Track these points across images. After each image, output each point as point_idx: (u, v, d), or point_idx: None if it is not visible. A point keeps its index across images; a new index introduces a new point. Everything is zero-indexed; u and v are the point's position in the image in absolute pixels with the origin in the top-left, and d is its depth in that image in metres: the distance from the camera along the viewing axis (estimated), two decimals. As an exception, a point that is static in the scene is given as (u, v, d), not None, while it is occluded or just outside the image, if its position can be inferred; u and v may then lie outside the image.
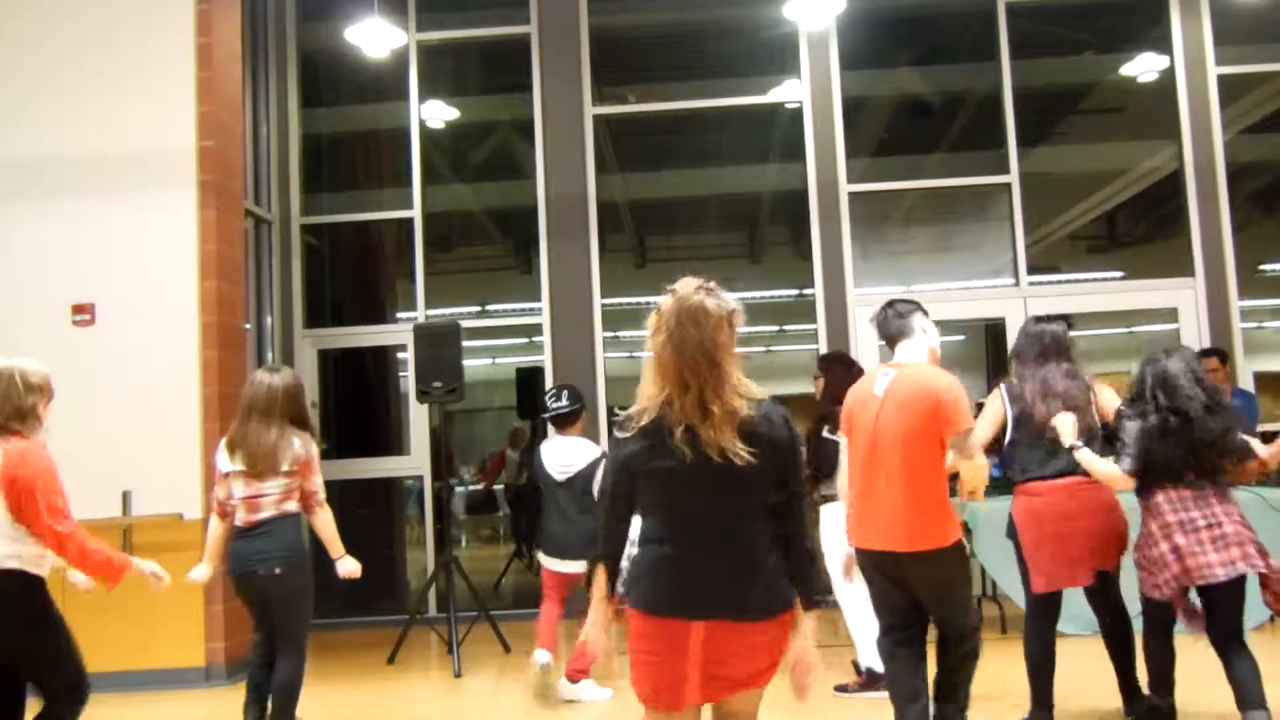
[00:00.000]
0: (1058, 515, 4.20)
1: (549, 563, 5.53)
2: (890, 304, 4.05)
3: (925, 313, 4.04)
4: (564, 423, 5.55)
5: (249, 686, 4.59)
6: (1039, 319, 4.55)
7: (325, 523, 4.55)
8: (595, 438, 8.07)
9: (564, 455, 5.48)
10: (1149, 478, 4.07)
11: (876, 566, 3.90)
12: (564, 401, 5.53)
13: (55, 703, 3.66)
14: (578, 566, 5.37)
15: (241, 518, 4.41)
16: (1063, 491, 4.22)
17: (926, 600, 3.86)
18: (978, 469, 3.74)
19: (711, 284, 2.65)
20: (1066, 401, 4.21)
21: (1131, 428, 4.07)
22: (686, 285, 2.64)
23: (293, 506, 4.46)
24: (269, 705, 4.47)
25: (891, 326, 3.98)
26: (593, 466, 5.31)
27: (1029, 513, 4.30)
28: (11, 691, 3.67)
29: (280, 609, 4.43)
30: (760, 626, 2.54)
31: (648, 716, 2.65)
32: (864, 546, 3.91)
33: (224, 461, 4.45)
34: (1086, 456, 4.13)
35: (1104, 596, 4.35)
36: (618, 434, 2.67)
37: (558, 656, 5.52)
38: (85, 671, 3.73)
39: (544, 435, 8.22)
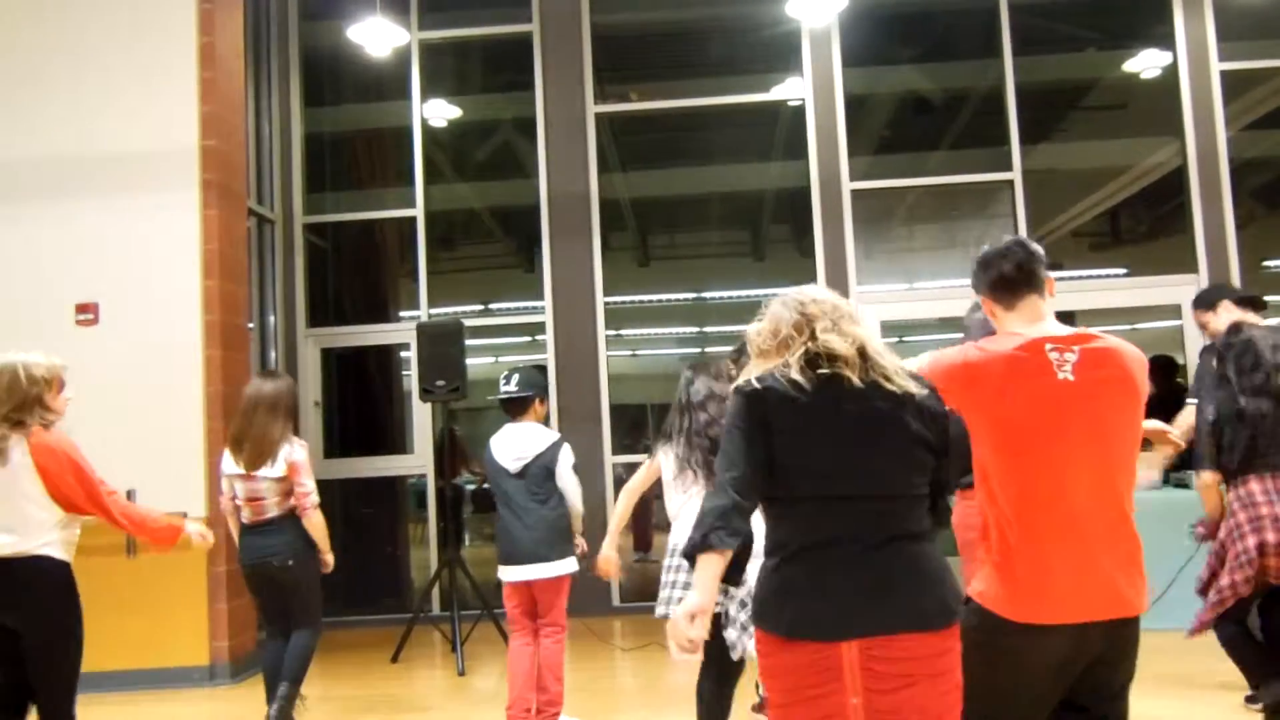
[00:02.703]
0: None
1: (508, 573, 4.64)
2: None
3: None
4: (517, 408, 4.78)
5: (265, 672, 4.80)
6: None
7: (316, 525, 4.71)
8: (599, 443, 8.11)
9: (517, 443, 4.72)
10: (1243, 464, 3.91)
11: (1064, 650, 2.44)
12: (513, 386, 4.79)
13: (49, 698, 3.67)
14: (541, 570, 4.58)
15: (248, 516, 4.68)
16: None
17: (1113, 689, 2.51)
18: None
19: None
20: None
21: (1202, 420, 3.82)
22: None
23: (290, 504, 4.68)
24: (283, 666, 4.69)
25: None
26: (552, 452, 4.67)
27: None
28: (18, 697, 3.69)
29: (294, 598, 4.72)
30: (932, 642, 2.13)
31: None
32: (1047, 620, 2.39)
33: (226, 462, 4.70)
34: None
35: None
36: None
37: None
38: (77, 680, 3.77)
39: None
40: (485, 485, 4.98)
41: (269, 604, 4.82)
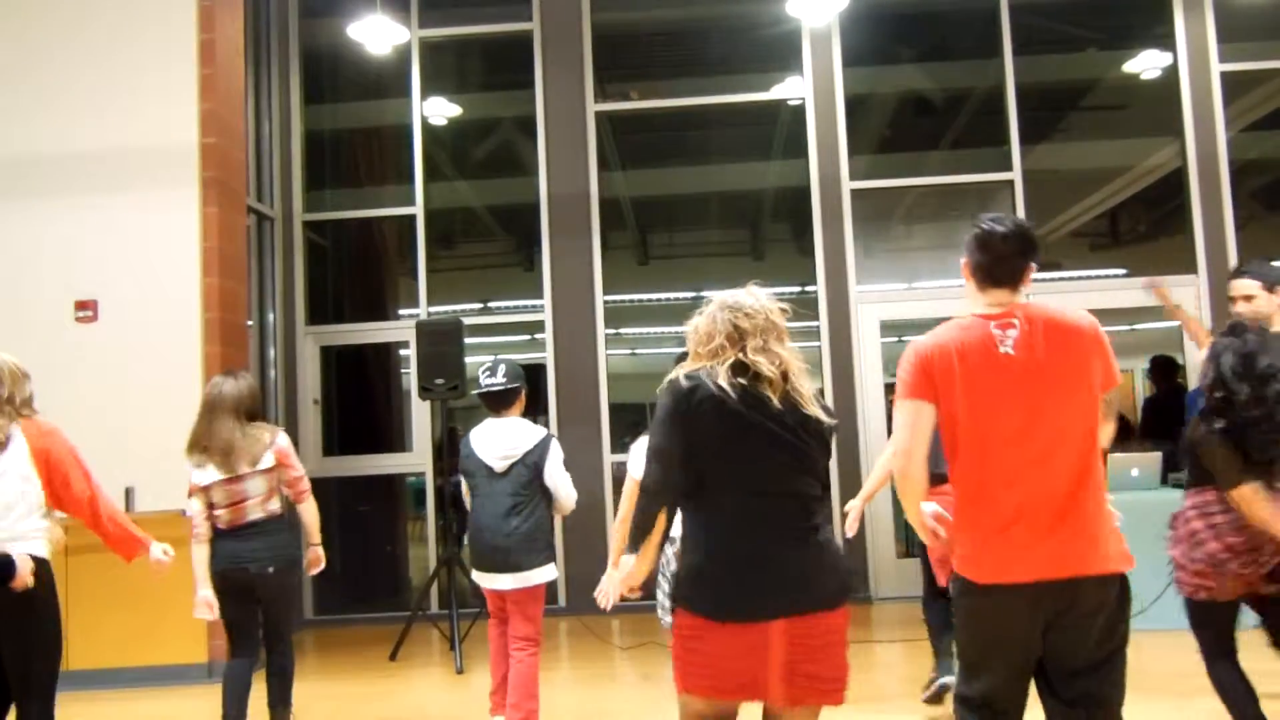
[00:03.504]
0: None
1: (481, 579, 4.43)
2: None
3: None
4: (501, 402, 4.46)
5: (227, 688, 4.41)
6: None
7: (310, 512, 4.52)
8: (598, 442, 8.11)
9: (504, 440, 4.40)
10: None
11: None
12: (499, 378, 4.45)
13: (27, 698, 3.63)
14: (518, 580, 4.34)
15: (225, 521, 4.32)
16: None
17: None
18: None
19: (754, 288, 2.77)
20: None
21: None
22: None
23: (277, 506, 4.41)
24: (268, 693, 4.47)
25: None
26: (541, 449, 4.38)
27: None
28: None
29: (271, 605, 4.40)
30: (840, 617, 2.55)
31: (690, 703, 2.60)
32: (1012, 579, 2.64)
33: (197, 474, 4.33)
34: None
35: None
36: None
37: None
38: (57, 675, 3.72)
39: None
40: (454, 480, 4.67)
41: (239, 616, 4.38)
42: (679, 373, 2.61)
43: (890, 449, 3.23)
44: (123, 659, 6.02)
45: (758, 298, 2.69)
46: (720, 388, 2.53)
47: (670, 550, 3.83)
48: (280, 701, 4.50)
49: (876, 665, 6.06)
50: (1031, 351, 2.63)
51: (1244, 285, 4.50)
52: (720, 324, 2.64)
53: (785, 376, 2.58)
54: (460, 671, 6.26)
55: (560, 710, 5.27)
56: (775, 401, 2.55)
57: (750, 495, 2.55)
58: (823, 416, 2.60)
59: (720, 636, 2.48)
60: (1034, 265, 2.80)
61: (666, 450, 2.57)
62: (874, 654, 6.29)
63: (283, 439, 4.45)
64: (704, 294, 2.79)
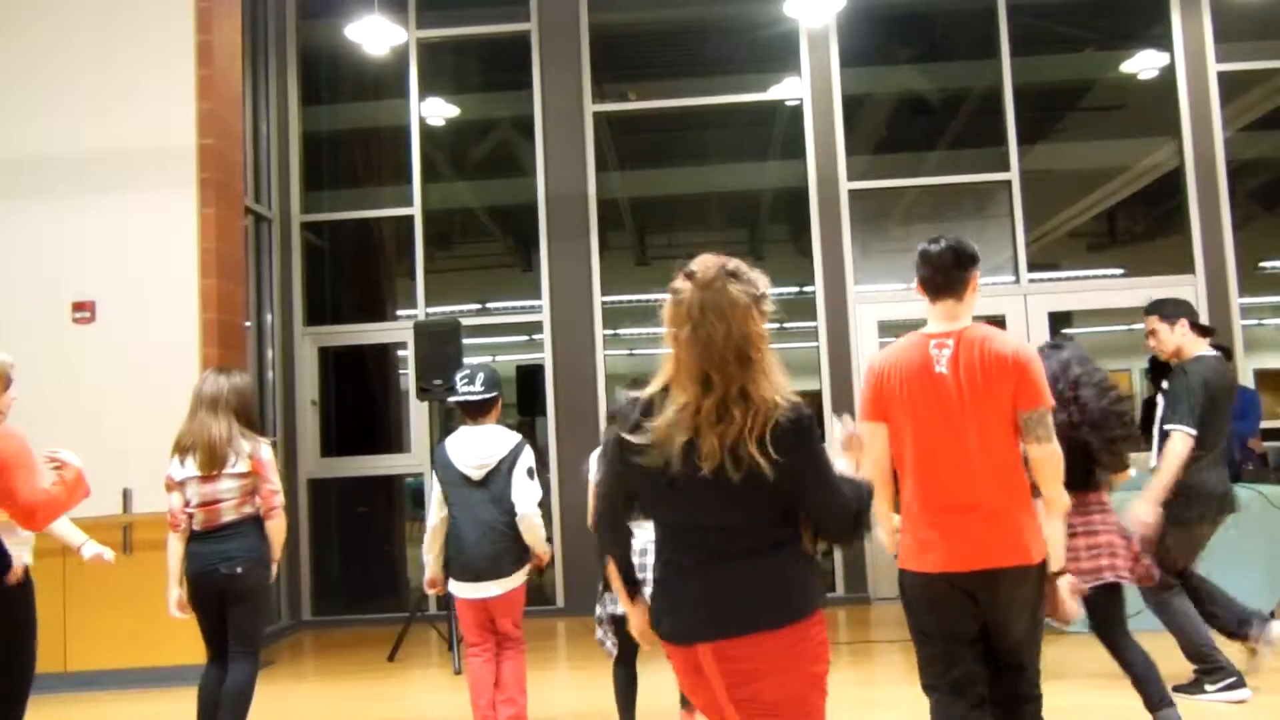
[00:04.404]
0: None
1: (462, 589, 4.33)
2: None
3: None
4: (479, 411, 4.40)
5: (200, 696, 4.30)
6: None
7: (277, 530, 4.33)
8: (596, 442, 8.04)
9: (480, 448, 4.34)
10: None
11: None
12: (478, 386, 4.38)
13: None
14: (501, 587, 4.30)
15: (200, 522, 4.25)
16: None
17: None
18: None
19: (734, 264, 2.30)
20: None
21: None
22: (706, 268, 2.28)
23: (252, 509, 4.29)
24: (221, 710, 4.23)
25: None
26: (515, 454, 4.33)
27: None
28: None
29: (238, 608, 4.26)
30: (776, 639, 2.26)
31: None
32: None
33: (175, 468, 4.29)
34: None
35: None
36: (615, 424, 2.44)
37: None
38: (31, 677, 3.72)
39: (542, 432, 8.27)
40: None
41: (211, 620, 4.30)
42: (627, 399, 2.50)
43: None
44: (122, 660, 6.02)
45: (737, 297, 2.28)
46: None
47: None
48: None
49: (875, 665, 6.06)
50: (957, 370, 2.97)
51: (1148, 321, 4.97)
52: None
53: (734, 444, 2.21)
54: (458, 672, 6.26)
55: (557, 710, 5.27)
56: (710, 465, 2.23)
57: (682, 525, 2.37)
58: (764, 466, 2.20)
59: (675, 656, 2.40)
60: (973, 275, 3.11)
61: (608, 492, 2.49)
62: (872, 654, 6.30)
63: (264, 451, 4.31)
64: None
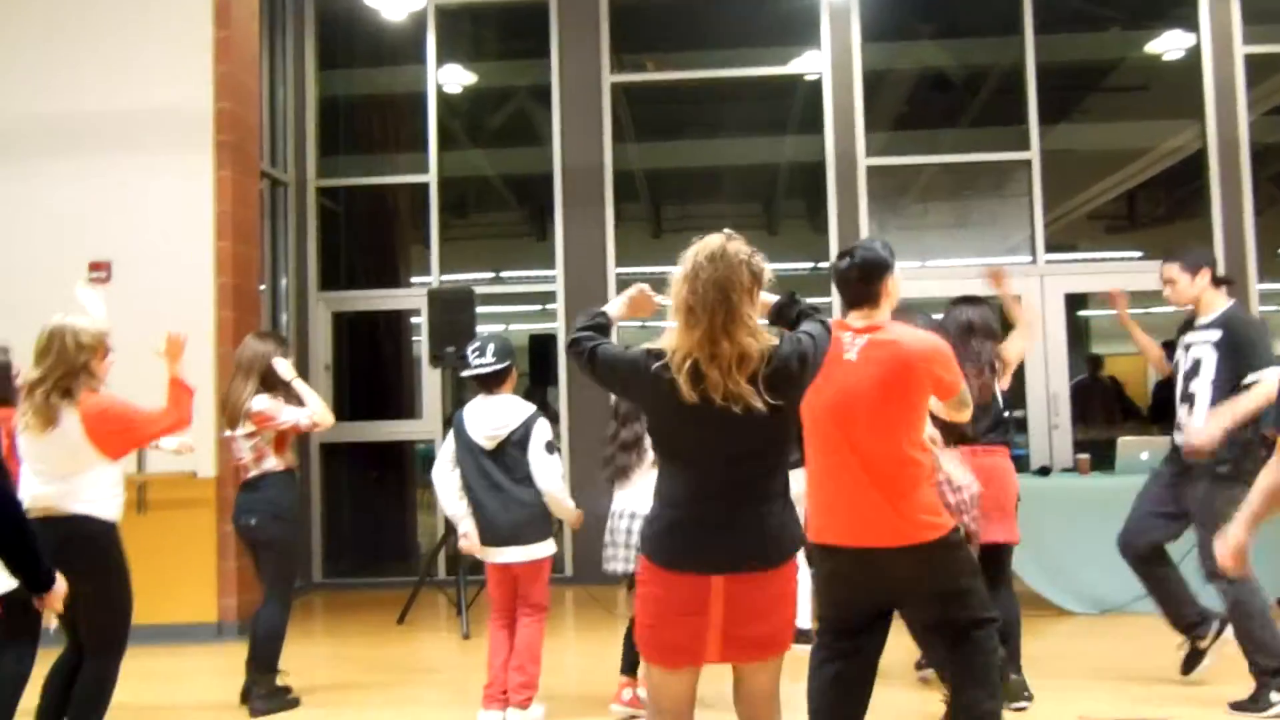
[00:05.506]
0: None
1: (486, 554, 4.41)
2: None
3: None
4: (492, 382, 4.44)
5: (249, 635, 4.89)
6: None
7: (325, 421, 4.81)
8: (607, 413, 8.07)
9: (493, 418, 4.38)
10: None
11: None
12: (489, 358, 4.41)
13: (96, 655, 3.76)
14: (520, 554, 4.36)
15: (241, 476, 4.83)
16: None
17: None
18: None
19: (734, 234, 2.63)
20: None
21: None
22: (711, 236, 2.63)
23: (272, 464, 4.71)
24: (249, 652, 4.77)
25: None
26: (527, 425, 4.36)
27: None
28: (26, 626, 3.70)
29: (260, 556, 4.80)
30: (778, 576, 2.58)
31: (650, 675, 2.69)
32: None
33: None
34: None
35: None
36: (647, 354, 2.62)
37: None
38: (128, 629, 3.84)
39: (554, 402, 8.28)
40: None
41: (252, 565, 4.96)
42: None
43: None
44: (135, 617, 6.08)
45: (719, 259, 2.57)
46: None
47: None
48: (252, 661, 4.72)
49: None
50: (866, 360, 3.10)
51: (1166, 269, 4.61)
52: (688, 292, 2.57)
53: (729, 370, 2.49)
54: (466, 636, 6.31)
55: (567, 679, 5.32)
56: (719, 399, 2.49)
57: (705, 463, 2.60)
58: (758, 406, 2.48)
59: (675, 586, 2.57)
60: (885, 284, 3.22)
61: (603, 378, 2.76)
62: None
63: (256, 401, 4.66)
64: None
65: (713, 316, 2.48)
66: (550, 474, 4.36)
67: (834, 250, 8.09)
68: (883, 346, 3.13)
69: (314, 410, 4.76)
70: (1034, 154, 8.15)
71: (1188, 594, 4.63)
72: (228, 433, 4.79)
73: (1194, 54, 8.19)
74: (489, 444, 4.35)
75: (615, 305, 2.93)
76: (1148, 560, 4.61)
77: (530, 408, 4.44)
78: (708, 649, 2.56)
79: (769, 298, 2.72)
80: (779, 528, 2.60)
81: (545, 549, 4.40)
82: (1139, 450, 6.49)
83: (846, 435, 3.13)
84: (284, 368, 4.76)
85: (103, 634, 3.75)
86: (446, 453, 4.52)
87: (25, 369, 3.88)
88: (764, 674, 2.67)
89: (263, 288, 7.60)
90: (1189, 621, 4.60)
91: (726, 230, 2.62)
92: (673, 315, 2.60)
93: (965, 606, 3.20)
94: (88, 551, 3.64)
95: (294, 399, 4.77)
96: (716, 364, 2.47)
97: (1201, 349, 4.47)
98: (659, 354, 2.57)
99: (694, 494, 2.59)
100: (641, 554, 2.66)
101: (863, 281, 3.23)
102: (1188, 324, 4.65)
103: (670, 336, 2.58)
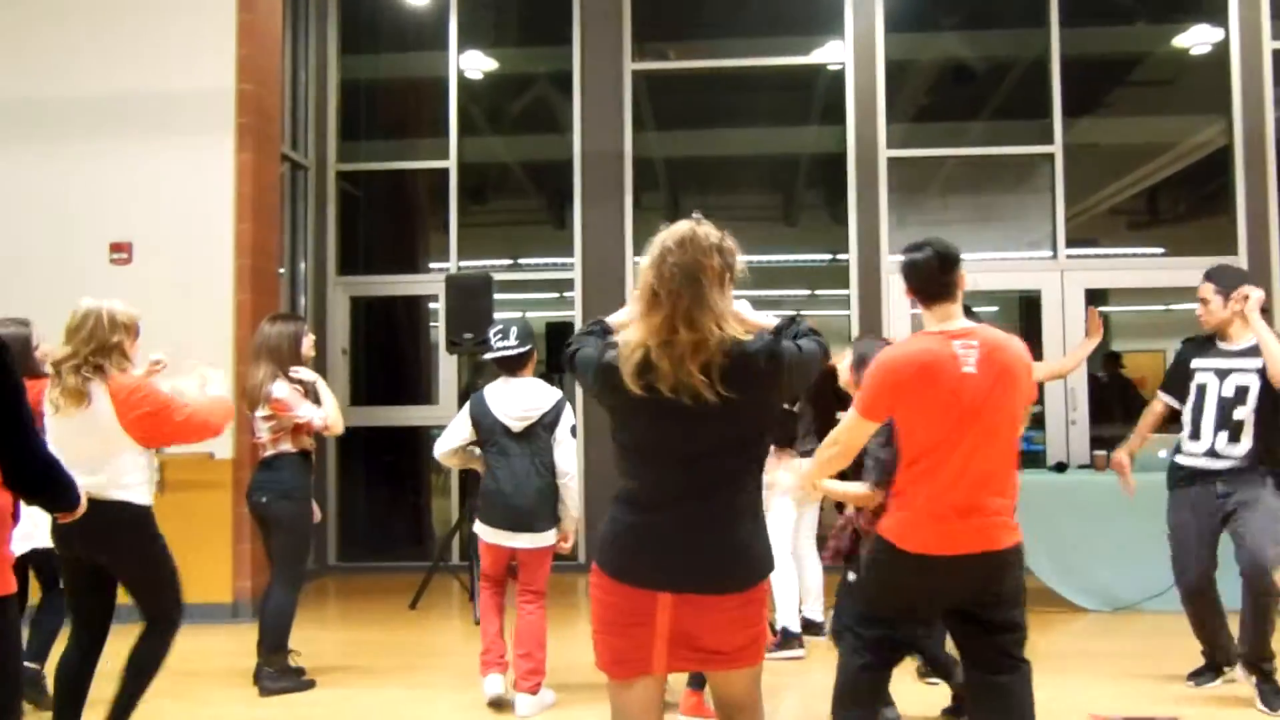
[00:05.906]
0: None
1: (493, 536, 4.44)
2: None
3: None
4: (516, 365, 4.49)
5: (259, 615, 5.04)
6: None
7: (336, 427, 4.91)
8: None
9: (522, 401, 4.43)
10: None
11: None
12: (512, 340, 4.47)
13: (152, 627, 3.90)
14: (530, 540, 4.41)
15: (259, 453, 4.95)
16: None
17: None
18: None
19: (703, 218, 2.52)
20: None
21: None
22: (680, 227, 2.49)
23: (288, 446, 4.82)
24: (259, 631, 4.89)
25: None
26: (556, 411, 4.45)
27: None
28: (102, 603, 3.85)
29: (270, 535, 4.88)
30: (735, 599, 2.38)
31: (610, 685, 2.51)
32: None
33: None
34: None
35: None
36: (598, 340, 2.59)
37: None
38: (181, 602, 3.97)
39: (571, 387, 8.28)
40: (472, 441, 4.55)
41: (264, 545, 5.05)
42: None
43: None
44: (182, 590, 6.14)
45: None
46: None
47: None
48: (261, 640, 4.82)
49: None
50: (988, 373, 3.01)
51: (1203, 289, 4.55)
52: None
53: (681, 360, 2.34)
54: (478, 622, 6.30)
55: (576, 666, 5.33)
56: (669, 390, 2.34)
57: (658, 463, 2.44)
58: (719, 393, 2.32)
59: (616, 595, 2.42)
60: (959, 273, 3.21)
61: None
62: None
63: (277, 388, 4.71)
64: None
65: (676, 301, 2.35)
66: (572, 458, 4.50)
67: (854, 242, 8.06)
68: (996, 352, 3.06)
69: (328, 414, 4.85)
70: (1057, 148, 8.08)
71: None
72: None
73: (1221, 49, 8.10)
74: (519, 425, 4.41)
75: (621, 312, 2.76)
76: (1204, 591, 4.49)
77: (557, 392, 4.53)
78: (654, 660, 2.39)
79: (770, 320, 2.58)
80: (741, 550, 2.39)
81: (553, 535, 4.48)
82: (1157, 448, 6.43)
83: (977, 446, 3.02)
84: (305, 373, 4.87)
85: (161, 609, 3.87)
86: (458, 431, 4.55)
87: (47, 346, 3.91)
88: (736, 683, 2.50)
89: (281, 271, 7.62)
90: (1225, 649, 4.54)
91: (695, 214, 2.51)
92: (633, 302, 2.49)
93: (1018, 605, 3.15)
94: (129, 537, 3.72)
95: (312, 396, 4.87)
96: (668, 353, 2.32)
97: (1247, 377, 4.37)
98: (613, 345, 2.47)
99: (648, 499, 2.43)
100: (595, 563, 2.51)
101: (943, 271, 3.22)
102: (1207, 345, 4.56)
103: (629, 327, 2.47)
